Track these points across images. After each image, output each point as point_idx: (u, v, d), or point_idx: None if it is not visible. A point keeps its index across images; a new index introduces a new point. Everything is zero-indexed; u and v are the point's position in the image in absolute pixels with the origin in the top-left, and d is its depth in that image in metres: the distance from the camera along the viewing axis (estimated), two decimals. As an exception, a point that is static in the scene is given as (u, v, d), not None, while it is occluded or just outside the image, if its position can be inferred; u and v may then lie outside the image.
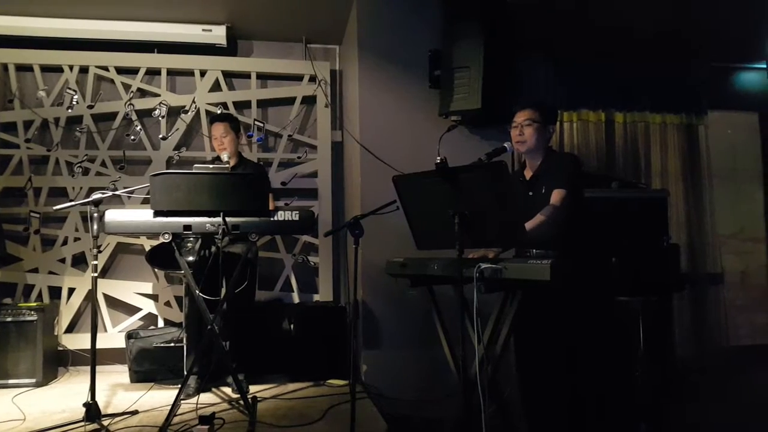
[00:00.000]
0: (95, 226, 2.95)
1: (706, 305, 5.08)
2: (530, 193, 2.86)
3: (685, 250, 4.96)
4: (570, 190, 2.70)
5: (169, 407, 2.86)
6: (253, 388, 3.56)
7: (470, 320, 2.51)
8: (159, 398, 3.36)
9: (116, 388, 3.71)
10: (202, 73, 4.69)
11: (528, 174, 2.93)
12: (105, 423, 2.86)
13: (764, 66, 5.33)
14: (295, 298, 4.63)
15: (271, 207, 3.74)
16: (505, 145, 2.73)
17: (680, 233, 5.03)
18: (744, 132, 5.67)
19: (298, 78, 4.83)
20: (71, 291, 4.40)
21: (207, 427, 2.55)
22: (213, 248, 3.41)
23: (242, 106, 4.77)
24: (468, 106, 3.84)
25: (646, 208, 3.96)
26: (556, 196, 2.69)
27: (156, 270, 4.44)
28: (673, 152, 5.18)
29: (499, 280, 2.29)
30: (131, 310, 4.49)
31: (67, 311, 4.37)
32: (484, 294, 2.31)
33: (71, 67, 4.53)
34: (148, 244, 4.45)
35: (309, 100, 4.83)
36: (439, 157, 2.36)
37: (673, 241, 4.22)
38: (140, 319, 4.48)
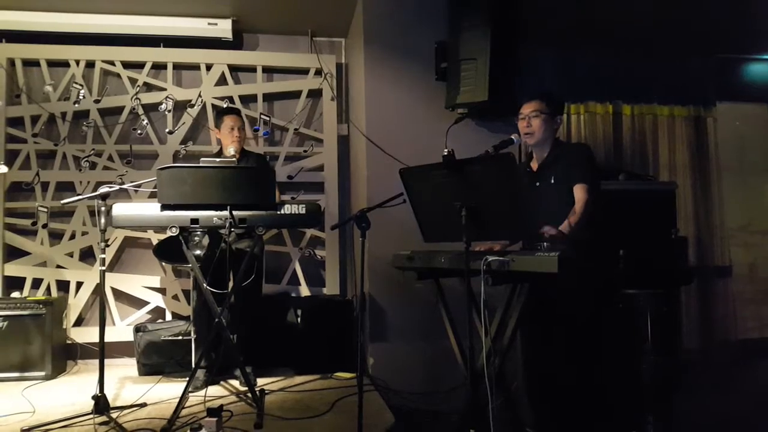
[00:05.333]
0: (103, 220, 2.96)
1: (713, 298, 5.05)
2: (537, 184, 2.86)
3: (693, 243, 4.93)
4: (591, 182, 2.71)
5: (178, 400, 2.89)
6: (260, 381, 3.58)
7: (477, 313, 2.51)
8: (167, 391, 3.38)
9: (125, 381, 3.74)
10: (208, 67, 4.69)
11: (535, 165, 2.92)
12: (114, 415, 2.88)
13: (773, 57, 5.29)
14: (302, 291, 4.64)
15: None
16: (512, 137, 2.72)
17: (688, 226, 5.00)
18: (753, 124, 5.63)
19: (304, 71, 4.82)
20: (79, 285, 4.42)
21: (215, 419, 2.56)
22: (222, 241, 3.42)
23: (248, 99, 4.76)
24: (475, 99, 3.81)
25: (654, 200, 3.94)
26: (580, 192, 2.69)
27: (163, 263, 4.46)
28: (681, 144, 5.14)
29: (506, 273, 2.29)
30: (139, 303, 4.51)
31: (75, 305, 4.39)
32: (492, 286, 2.31)
33: (77, 62, 4.54)
34: (155, 238, 4.47)
35: (315, 94, 4.82)
36: (446, 150, 2.36)
37: (681, 233, 4.20)
38: (148, 312, 4.50)
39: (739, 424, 3.31)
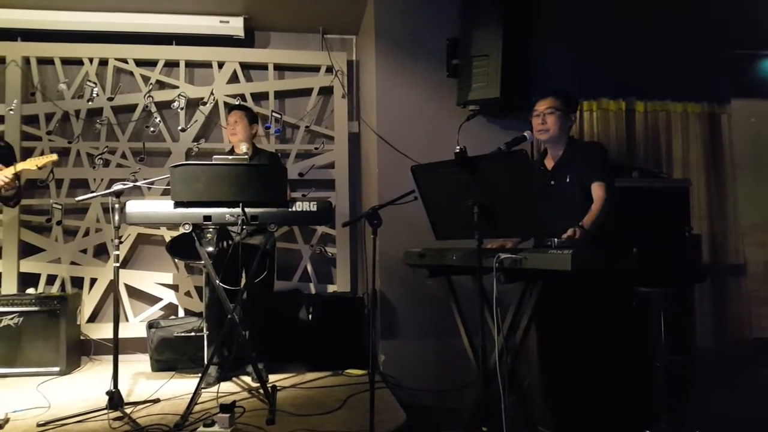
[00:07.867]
0: (116, 217, 2.98)
1: (728, 296, 5.00)
2: (552, 183, 2.84)
3: (707, 241, 4.88)
4: (609, 181, 2.70)
5: (190, 396, 2.91)
6: (272, 378, 3.59)
7: (489, 311, 2.50)
8: (180, 387, 3.40)
9: (138, 376, 3.77)
10: (220, 65, 4.70)
11: (549, 163, 2.91)
12: (127, 411, 2.90)
13: (789, 53, 5.22)
14: (313, 288, 4.65)
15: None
16: (525, 134, 2.71)
17: (702, 223, 4.95)
18: (768, 120, 5.56)
19: (315, 69, 4.82)
20: (93, 281, 4.46)
21: (228, 415, 2.58)
22: (232, 239, 3.44)
23: (260, 97, 4.78)
24: (487, 95, 3.80)
25: (668, 197, 3.91)
26: (599, 190, 2.69)
27: (176, 260, 4.49)
28: (694, 141, 5.09)
29: (519, 270, 2.28)
30: (152, 300, 4.55)
31: (89, 301, 4.43)
32: (504, 284, 2.30)
33: (91, 60, 4.57)
34: (168, 235, 4.50)
35: (326, 91, 4.82)
36: (458, 147, 2.35)
37: (695, 231, 4.17)
38: (161, 309, 4.53)
39: (753, 423, 3.28)
